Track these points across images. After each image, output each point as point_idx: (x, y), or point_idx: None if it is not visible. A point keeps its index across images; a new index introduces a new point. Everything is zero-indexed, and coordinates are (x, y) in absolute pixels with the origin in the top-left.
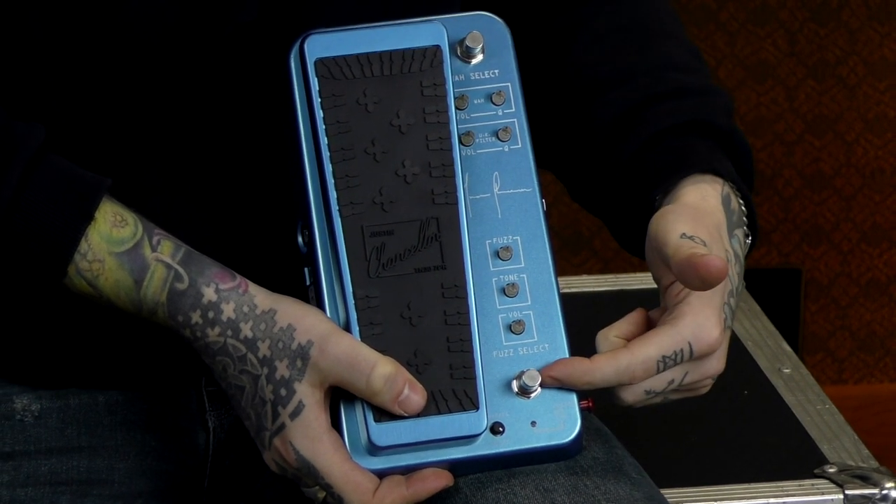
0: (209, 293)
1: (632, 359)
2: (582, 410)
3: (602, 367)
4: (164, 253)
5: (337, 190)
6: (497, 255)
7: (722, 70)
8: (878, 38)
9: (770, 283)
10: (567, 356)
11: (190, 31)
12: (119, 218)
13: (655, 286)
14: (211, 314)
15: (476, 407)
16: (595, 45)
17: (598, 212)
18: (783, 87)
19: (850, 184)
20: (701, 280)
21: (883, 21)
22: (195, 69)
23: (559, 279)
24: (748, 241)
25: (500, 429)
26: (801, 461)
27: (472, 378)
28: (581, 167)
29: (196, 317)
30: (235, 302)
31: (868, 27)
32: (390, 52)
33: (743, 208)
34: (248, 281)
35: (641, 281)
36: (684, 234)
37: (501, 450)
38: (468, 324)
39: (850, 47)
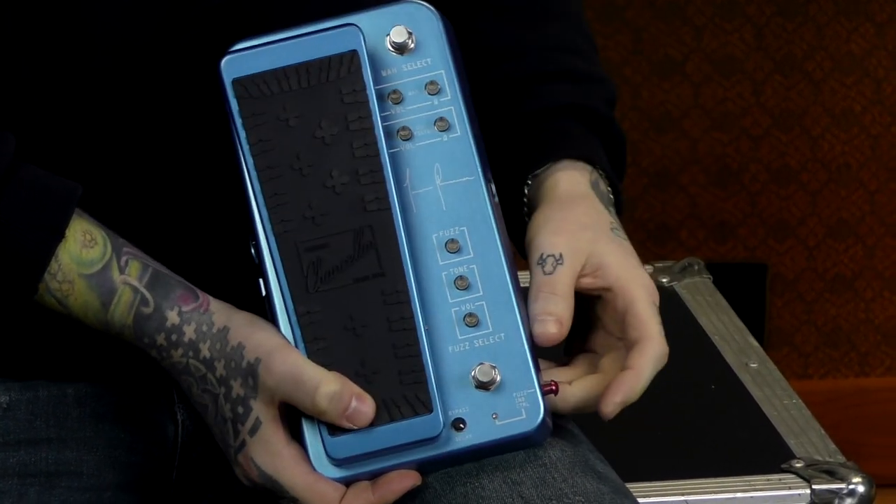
0: (172, 316)
1: (652, 354)
2: (545, 395)
3: (644, 368)
4: (132, 275)
5: (268, 209)
6: (445, 248)
7: (689, 64)
8: (844, 34)
9: (736, 278)
10: (524, 343)
11: (158, 14)
12: (89, 237)
13: None
14: (174, 336)
15: (430, 410)
16: (497, 18)
17: None
18: (750, 82)
19: (816, 179)
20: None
21: (850, 16)
22: (162, 66)
23: (521, 270)
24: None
25: (462, 425)
26: (769, 456)
27: (423, 381)
28: None
29: (161, 339)
30: (196, 322)
31: (835, 22)
32: (307, 64)
33: (611, 196)
34: (210, 298)
35: None
36: (542, 254)
37: (465, 445)
38: (413, 328)
39: (816, 42)
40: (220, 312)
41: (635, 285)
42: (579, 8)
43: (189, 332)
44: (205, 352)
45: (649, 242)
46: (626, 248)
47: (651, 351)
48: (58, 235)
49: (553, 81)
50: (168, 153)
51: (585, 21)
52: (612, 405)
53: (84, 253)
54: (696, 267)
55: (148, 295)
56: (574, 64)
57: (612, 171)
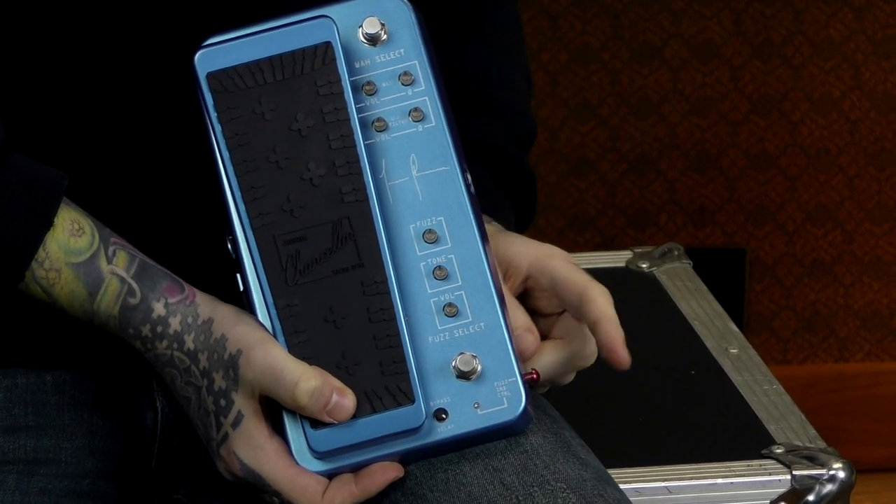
0: (159, 308)
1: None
2: (526, 383)
3: (608, 309)
4: (120, 265)
5: (245, 202)
6: (422, 238)
7: (667, 50)
8: (823, 18)
9: (714, 263)
10: (504, 332)
11: (137, 3)
12: (77, 226)
13: (596, 266)
14: (159, 328)
15: (412, 401)
16: (436, 35)
17: None
18: (728, 67)
19: (795, 164)
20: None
21: (828, 1)
22: (142, 55)
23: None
24: None
25: (444, 415)
26: (749, 441)
27: (404, 372)
28: None
29: (146, 331)
30: (181, 314)
31: (813, 7)
32: (281, 56)
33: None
34: (195, 290)
35: (590, 260)
36: None
37: (447, 435)
38: (393, 318)
39: (795, 27)
40: (206, 304)
41: (547, 257)
42: (520, 38)
43: (174, 323)
44: (189, 343)
45: (629, 228)
46: (524, 237)
47: (599, 295)
48: (46, 223)
49: (472, 111)
50: (148, 144)
51: (525, 53)
52: (623, 351)
53: (72, 242)
54: (676, 252)
55: (135, 285)
56: (498, 96)
57: (504, 214)
